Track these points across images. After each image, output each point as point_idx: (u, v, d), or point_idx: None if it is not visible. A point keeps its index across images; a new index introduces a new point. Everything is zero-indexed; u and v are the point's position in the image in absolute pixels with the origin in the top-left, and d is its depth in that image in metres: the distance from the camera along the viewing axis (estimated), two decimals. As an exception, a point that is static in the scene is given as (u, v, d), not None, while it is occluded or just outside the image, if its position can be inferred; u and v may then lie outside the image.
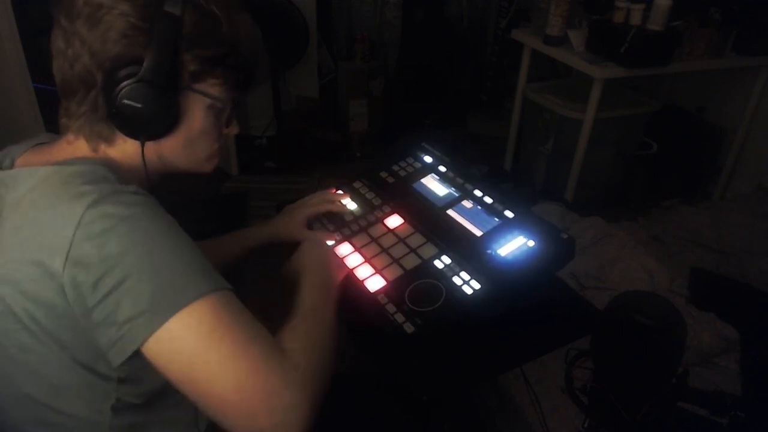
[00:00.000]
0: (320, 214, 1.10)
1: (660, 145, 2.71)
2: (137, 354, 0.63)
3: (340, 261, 0.99)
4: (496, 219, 1.03)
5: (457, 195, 1.10)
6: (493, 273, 0.93)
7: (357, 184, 1.18)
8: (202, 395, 0.64)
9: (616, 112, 2.53)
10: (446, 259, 0.97)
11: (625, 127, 2.65)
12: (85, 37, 0.67)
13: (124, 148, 0.73)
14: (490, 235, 1.00)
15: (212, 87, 0.73)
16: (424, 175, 1.17)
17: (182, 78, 0.71)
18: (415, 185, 1.16)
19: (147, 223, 0.64)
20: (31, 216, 0.65)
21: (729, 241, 2.31)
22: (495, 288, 0.91)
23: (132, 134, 0.71)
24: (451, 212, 1.07)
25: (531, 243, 0.97)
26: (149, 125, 0.70)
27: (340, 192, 1.17)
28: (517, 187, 2.73)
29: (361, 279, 0.96)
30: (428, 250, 1.00)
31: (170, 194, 0.77)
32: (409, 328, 0.87)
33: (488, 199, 1.07)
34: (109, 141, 0.73)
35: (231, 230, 1.11)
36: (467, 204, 1.08)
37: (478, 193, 1.09)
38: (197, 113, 0.74)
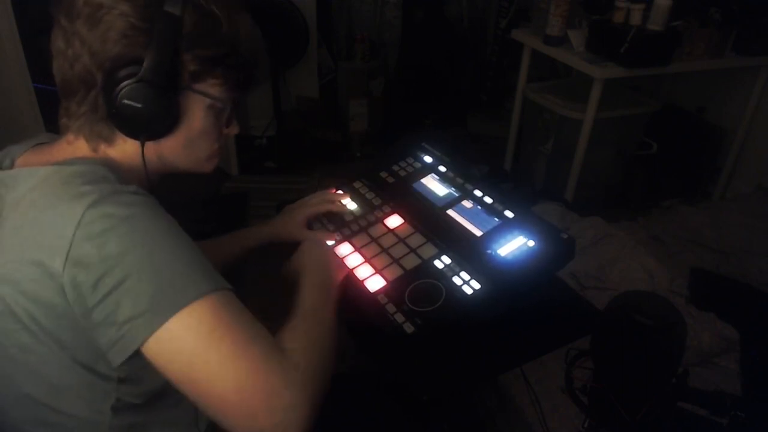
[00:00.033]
0: (320, 214, 1.10)
1: (660, 145, 2.71)
2: (137, 354, 0.63)
3: (340, 261, 0.99)
4: (496, 219, 1.03)
5: (457, 195, 1.10)
6: (493, 273, 0.93)
7: (357, 184, 1.18)
8: (202, 395, 0.64)
9: (616, 112, 2.53)
10: (446, 259, 0.97)
11: (625, 127, 2.65)
12: (85, 37, 0.67)
13: (124, 148, 0.73)
14: (490, 235, 1.00)
15: (212, 87, 0.73)
16: (424, 175, 1.17)
17: (182, 78, 0.70)
18: (415, 185, 1.16)
19: (147, 223, 0.64)
20: (31, 216, 0.65)
21: (729, 241, 2.31)
22: (495, 288, 0.91)
23: (132, 134, 0.71)
24: (451, 212, 1.07)
25: (531, 243, 0.97)
26: (149, 125, 0.70)
27: (340, 192, 1.17)
28: (517, 187, 2.73)
29: (361, 279, 0.96)
30: (428, 250, 1.00)
31: (170, 194, 0.77)
32: (409, 328, 0.87)
33: (488, 199, 1.07)
34: (109, 141, 0.73)
35: (231, 230, 1.11)
36: (467, 204, 1.08)
37: (478, 193, 1.09)
38: (197, 113, 0.74)
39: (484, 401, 1.67)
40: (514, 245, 0.97)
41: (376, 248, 1.02)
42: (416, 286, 0.93)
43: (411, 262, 0.98)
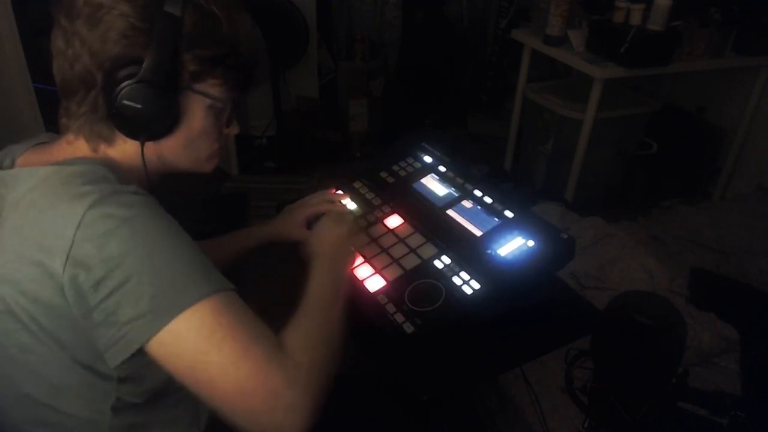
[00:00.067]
0: (320, 214, 1.10)
1: (660, 145, 2.71)
2: (138, 353, 0.63)
3: (358, 237, 0.98)
4: (496, 219, 1.03)
5: (457, 195, 1.10)
6: (493, 273, 0.93)
7: (357, 184, 1.18)
8: (204, 394, 0.65)
9: (616, 112, 2.53)
10: (446, 259, 0.97)
11: (625, 127, 2.65)
12: (85, 37, 0.67)
13: (124, 148, 0.73)
14: (490, 235, 1.00)
15: (212, 87, 0.73)
16: (424, 175, 1.17)
17: (182, 78, 0.70)
18: (415, 185, 1.16)
19: (148, 223, 0.64)
20: (32, 216, 0.65)
21: (729, 241, 2.31)
22: (495, 288, 0.91)
23: (132, 134, 0.71)
24: (451, 212, 1.07)
25: (531, 243, 0.97)
26: (149, 125, 0.70)
27: (340, 192, 1.17)
28: (517, 187, 2.72)
29: (361, 279, 0.96)
30: (428, 250, 1.00)
31: (170, 194, 0.77)
32: (408, 328, 0.87)
33: (488, 199, 1.07)
34: (109, 141, 0.73)
35: (231, 230, 1.11)
36: (467, 204, 1.08)
37: (478, 193, 1.09)
38: (197, 113, 0.74)
39: (484, 401, 1.67)
40: (514, 245, 0.97)
41: (376, 248, 1.02)
42: (416, 286, 0.93)
43: (411, 262, 0.98)
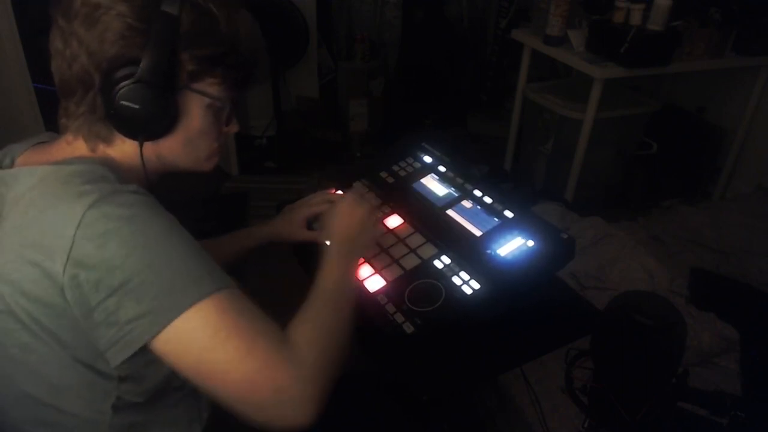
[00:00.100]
0: (320, 214, 1.10)
1: (660, 145, 2.71)
2: (139, 353, 0.63)
3: (377, 221, 0.99)
4: (496, 219, 1.03)
5: (456, 195, 1.10)
6: (493, 273, 0.93)
7: (357, 184, 1.18)
8: (210, 390, 0.66)
9: (616, 112, 2.53)
10: (446, 259, 0.97)
11: (625, 127, 2.65)
12: (83, 37, 0.66)
13: (123, 148, 0.73)
14: (490, 235, 1.00)
15: (211, 86, 0.73)
16: (424, 175, 1.17)
17: (180, 78, 0.70)
18: (414, 185, 1.16)
19: (148, 223, 0.64)
20: (31, 215, 0.65)
21: (729, 241, 2.31)
22: (495, 288, 0.91)
23: (130, 135, 0.71)
24: (450, 212, 1.07)
25: (531, 243, 0.96)
26: (147, 126, 0.70)
27: (340, 192, 1.16)
28: (517, 187, 2.72)
29: (360, 279, 0.96)
30: (428, 250, 1.00)
31: (170, 193, 0.77)
32: (408, 328, 0.87)
33: (488, 199, 1.07)
34: (108, 141, 0.73)
35: (231, 230, 1.11)
36: (467, 204, 1.08)
37: (477, 193, 1.09)
38: (196, 112, 0.74)
39: (484, 401, 1.67)
40: (513, 245, 0.97)
41: (376, 248, 1.02)
42: (416, 286, 0.93)
43: (411, 262, 0.98)
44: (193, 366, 0.64)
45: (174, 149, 0.75)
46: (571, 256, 0.98)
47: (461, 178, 1.14)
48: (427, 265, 0.97)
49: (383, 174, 1.20)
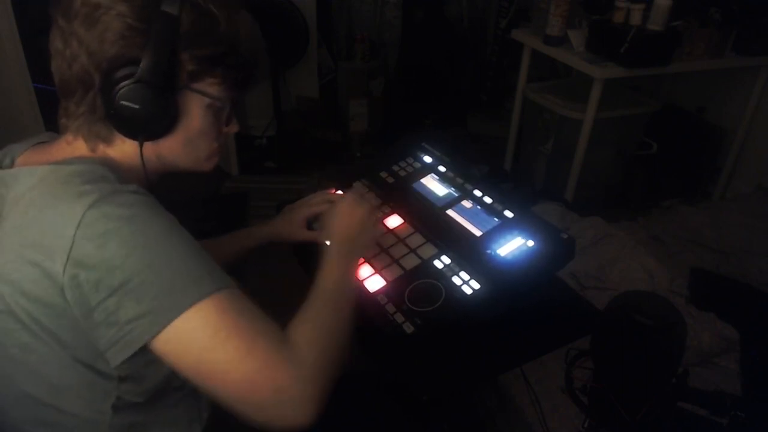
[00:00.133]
0: (320, 214, 1.10)
1: (660, 145, 2.71)
2: (139, 352, 0.63)
3: (377, 221, 0.99)
4: (496, 219, 1.03)
5: (456, 195, 1.10)
6: (493, 273, 0.93)
7: (357, 184, 1.18)
8: (210, 390, 0.66)
9: (616, 112, 2.53)
10: (446, 259, 0.97)
11: (625, 127, 2.65)
12: (83, 37, 0.66)
13: (123, 148, 0.73)
14: (490, 235, 1.00)
15: (211, 86, 0.73)
16: (424, 175, 1.17)
17: (180, 78, 0.70)
18: (414, 185, 1.16)
19: (148, 223, 0.64)
20: (31, 215, 0.65)
21: (729, 241, 2.31)
22: (495, 288, 0.91)
23: (130, 135, 0.71)
24: (450, 212, 1.07)
25: (531, 243, 0.96)
26: (147, 126, 0.70)
27: (340, 192, 1.16)
28: (517, 187, 2.72)
29: (360, 279, 0.96)
30: (428, 250, 1.00)
31: (170, 193, 0.77)
32: (408, 328, 0.87)
33: (488, 199, 1.07)
34: (108, 141, 0.73)
35: (231, 230, 1.11)
36: (467, 204, 1.08)
37: (477, 193, 1.09)
38: (196, 112, 0.73)
39: (484, 401, 1.67)
40: (513, 245, 0.97)
41: (376, 248, 1.02)
42: (416, 286, 0.93)
43: (411, 262, 0.98)
44: (193, 366, 0.64)
45: (174, 149, 0.75)
46: (571, 256, 0.98)
47: (461, 178, 1.14)
48: (427, 265, 0.97)
49: (383, 174, 1.20)
